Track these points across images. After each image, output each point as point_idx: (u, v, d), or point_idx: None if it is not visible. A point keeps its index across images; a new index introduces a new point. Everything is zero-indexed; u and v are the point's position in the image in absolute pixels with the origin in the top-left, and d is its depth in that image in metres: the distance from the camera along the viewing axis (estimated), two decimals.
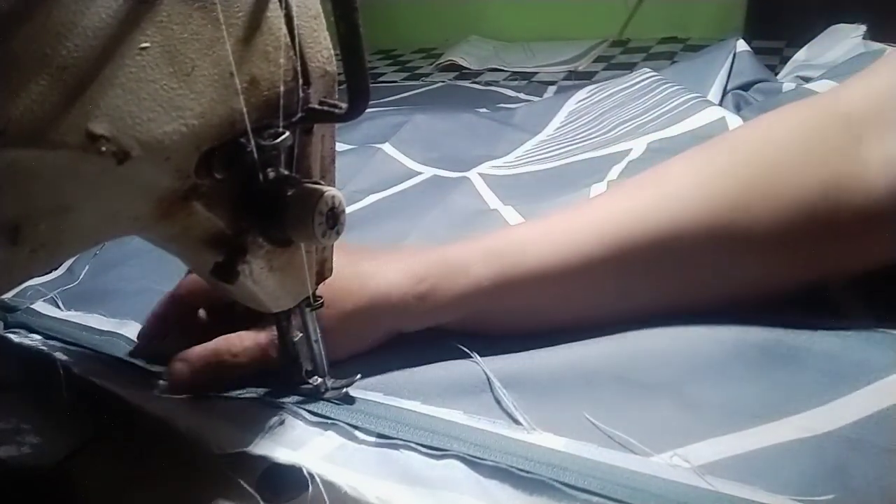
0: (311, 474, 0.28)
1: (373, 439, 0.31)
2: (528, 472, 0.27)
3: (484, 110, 0.85)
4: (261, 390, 0.35)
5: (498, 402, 0.32)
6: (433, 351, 0.36)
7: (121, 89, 0.19)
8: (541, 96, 0.98)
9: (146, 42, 0.20)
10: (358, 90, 0.23)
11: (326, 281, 0.32)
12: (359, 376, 0.34)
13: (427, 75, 1.20)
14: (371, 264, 0.36)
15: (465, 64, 1.28)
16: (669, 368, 0.32)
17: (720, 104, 0.67)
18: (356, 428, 0.31)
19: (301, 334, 0.33)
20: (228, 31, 0.22)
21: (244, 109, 0.23)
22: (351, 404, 0.33)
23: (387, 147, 0.69)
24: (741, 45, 0.77)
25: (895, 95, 0.32)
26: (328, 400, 0.33)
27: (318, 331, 0.33)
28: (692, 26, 1.35)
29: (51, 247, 0.21)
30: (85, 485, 0.32)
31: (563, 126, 0.74)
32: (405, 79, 1.22)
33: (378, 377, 0.35)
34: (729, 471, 0.27)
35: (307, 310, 0.32)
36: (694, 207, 0.34)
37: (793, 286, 0.35)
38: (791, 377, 0.31)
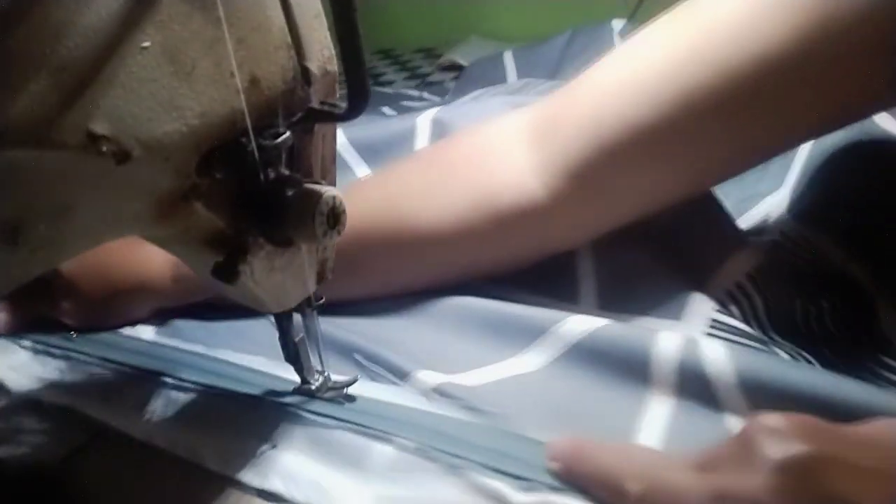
0: None
1: None
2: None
3: (387, 110, 0.82)
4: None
5: None
6: None
7: (121, 89, 0.19)
8: (443, 97, 0.91)
9: (147, 41, 0.20)
10: (357, 90, 0.23)
11: (100, 257, 0.41)
12: (358, 377, 0.34)
13: (427, 75, 1.20)
14: (142, 251, 0.43)
15: (465, 64, 1.28)
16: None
17: None
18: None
19: (302, 334, 0.33)
20: (229, 31, 0.22)
21: (245, 109, 0.23)
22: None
23: None
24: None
25: (557, 113, 0.36)
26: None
27: (319, 331, 0.33)
28: None
29: (51, 247, 0.21)
30: (85, 485, 0.32)
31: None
32: (405, 79, 1.22)
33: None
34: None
35: (308, 310, 0.32)
36: (377, 211, 0.39)
37: (470, 277, 0.40)
38: (495, 335, 0.36)
